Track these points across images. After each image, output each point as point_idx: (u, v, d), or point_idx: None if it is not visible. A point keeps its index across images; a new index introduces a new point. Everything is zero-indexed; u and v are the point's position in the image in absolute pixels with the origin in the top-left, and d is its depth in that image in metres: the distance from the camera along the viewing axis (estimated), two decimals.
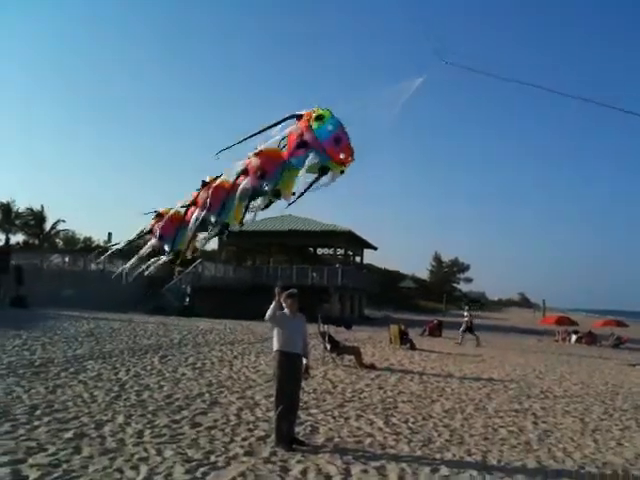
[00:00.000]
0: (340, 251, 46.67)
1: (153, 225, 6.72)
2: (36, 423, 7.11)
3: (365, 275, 49.12)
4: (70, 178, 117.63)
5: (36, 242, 61.75)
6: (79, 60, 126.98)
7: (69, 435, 6.68)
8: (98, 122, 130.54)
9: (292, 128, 5.51)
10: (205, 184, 6.26)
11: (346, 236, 41.72)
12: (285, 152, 5.56)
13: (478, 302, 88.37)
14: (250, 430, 7.53)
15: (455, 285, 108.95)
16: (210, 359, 14.19)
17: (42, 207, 61.76)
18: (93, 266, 36.98)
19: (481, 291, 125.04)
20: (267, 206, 6.11)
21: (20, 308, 23.82)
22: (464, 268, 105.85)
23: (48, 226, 63.00)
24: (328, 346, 14.75)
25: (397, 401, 10.31)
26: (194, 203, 6.36)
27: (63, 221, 63.25)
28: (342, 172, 5.48)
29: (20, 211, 60.98)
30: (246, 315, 29.77)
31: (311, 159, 5.24)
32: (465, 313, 25.87)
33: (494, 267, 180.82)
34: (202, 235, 6.73)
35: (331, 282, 39.25)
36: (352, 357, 14.67)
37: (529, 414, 9.96)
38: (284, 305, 7.03)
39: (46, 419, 7.33)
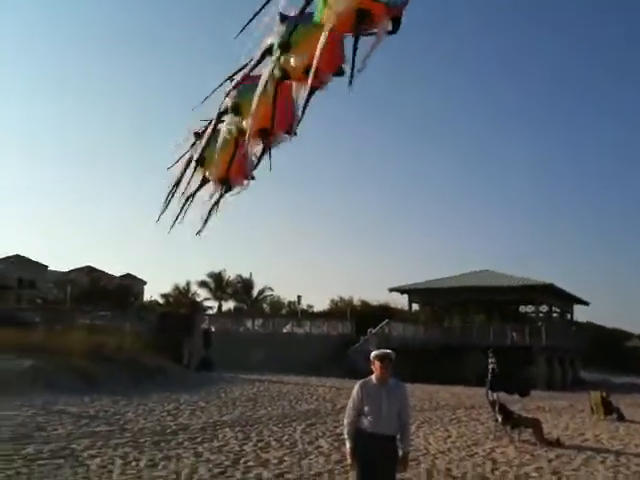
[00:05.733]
0: (545, 307, 42.36)
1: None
2: None
3: (575, 334, 44.02)
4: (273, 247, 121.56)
5: (244, 307, 65.33)
6: None
7: None
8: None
9: None
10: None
11: (548, 290, 37.78)
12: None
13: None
14: None
15: None
16: None
17: (250, 275, 65.10)
18: (284, 329, 37.65)
19: None
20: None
21: (205, 371, 24.28)
22: None
23: (256, 292, 66.51)
24: (499, 417, 12.41)
25: None
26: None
27: (270, 289, 66.28)
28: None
29: (231, 279, 65.11)
30: (436, 378, 27.79)
31: None
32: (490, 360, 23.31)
33: None
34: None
35: (535, 342, 35.50)
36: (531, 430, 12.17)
37: None
38: (373, 369, 5.39)
39: None
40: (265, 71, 3.81)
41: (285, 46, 3.56)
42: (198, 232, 4.76)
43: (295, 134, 4.22)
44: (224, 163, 4.39)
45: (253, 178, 4.60)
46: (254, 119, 3.90)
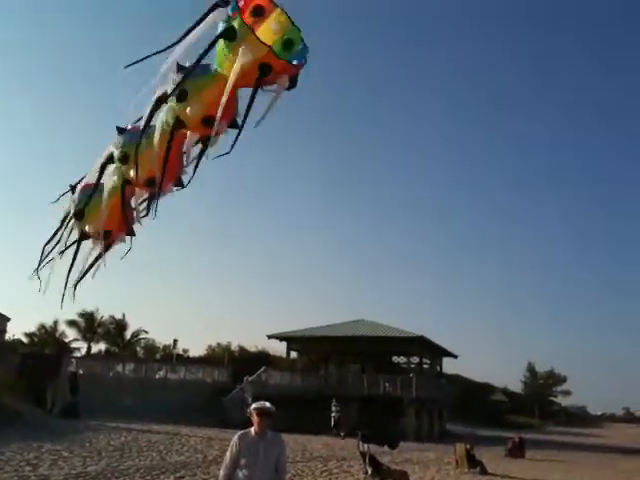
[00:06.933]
0: (416, 359, 43.96)
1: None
2: None
3: (444, 386, 45.78)
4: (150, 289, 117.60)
5: (116, 350, 62.48)
6: None
7: None
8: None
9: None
10: (122, 131, 4.17)
11: (418, 342, 39.24)
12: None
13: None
14: None
15: (552, 398, 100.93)
16: None
17: (123, 316, 62.70)
18: (157, 375, 36.43)
19: (581, 405, 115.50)
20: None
21: (70, 417, 22.91)
22: (561, 380, 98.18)
23: (129, 334, 63.91)
24: (369, 469, 12.72)
25: None
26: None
27: (145, 331, 63.87)
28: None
29: (103, 319, 62.22)
30: (312, 428, 27.81)
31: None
32: (333, 408, 29.72)
33: (596, 378, 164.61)
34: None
35: (406, 393, 36.50)
36: None
37: None
38: (252, 420, 5.41)
39: None
40: (158, 118, 3.93)
41: (181, 96, 3.71)
42: (75, 284, 4.54)
43: (183, 186, 4.32)
44: (109, 216, 4.31)
45: (134, 234, 4.49)
46: (143, 168, 3.99)
